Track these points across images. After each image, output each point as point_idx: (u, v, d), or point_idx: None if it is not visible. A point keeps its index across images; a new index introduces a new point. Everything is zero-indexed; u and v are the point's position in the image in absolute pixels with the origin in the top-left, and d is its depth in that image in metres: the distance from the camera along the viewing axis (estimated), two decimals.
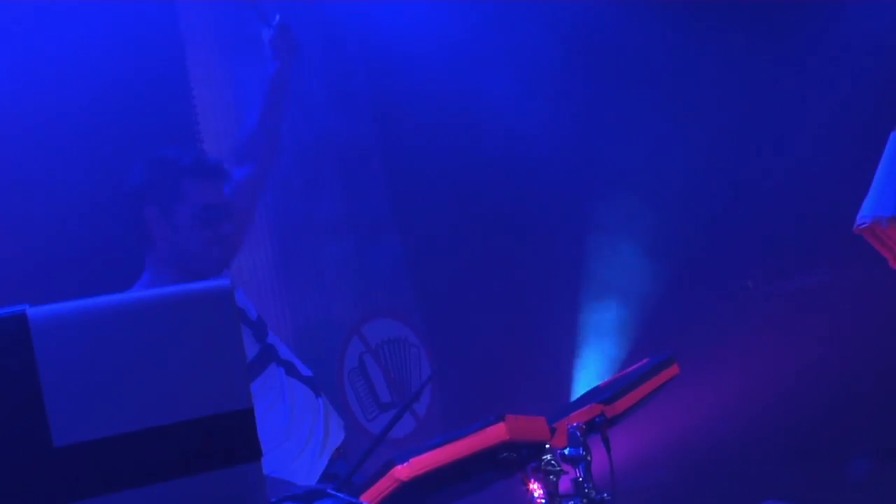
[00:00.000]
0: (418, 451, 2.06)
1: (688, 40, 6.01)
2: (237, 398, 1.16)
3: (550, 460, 2.34)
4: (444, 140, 5.83)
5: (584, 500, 2.38)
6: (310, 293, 5.21)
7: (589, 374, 5.78)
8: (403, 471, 2.03)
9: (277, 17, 3.62)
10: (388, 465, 2.06)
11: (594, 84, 6.22)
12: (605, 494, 2.44)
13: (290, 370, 3.32)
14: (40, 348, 1.08)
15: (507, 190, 6.02)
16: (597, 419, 2.50)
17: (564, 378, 5.69)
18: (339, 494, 1.64)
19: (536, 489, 2.34)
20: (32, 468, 1.08)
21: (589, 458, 2.47)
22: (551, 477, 2.34)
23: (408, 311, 5.69)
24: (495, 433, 2.07)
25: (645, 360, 2.81)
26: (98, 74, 4.33)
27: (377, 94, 5.81)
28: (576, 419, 2.48)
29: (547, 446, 2.32)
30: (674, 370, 2.65)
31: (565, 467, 2.41)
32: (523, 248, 6.06)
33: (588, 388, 2.88)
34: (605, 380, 2.75)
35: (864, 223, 4.00)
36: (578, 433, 2.44)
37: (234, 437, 1.17)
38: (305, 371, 3.42)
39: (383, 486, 2.05)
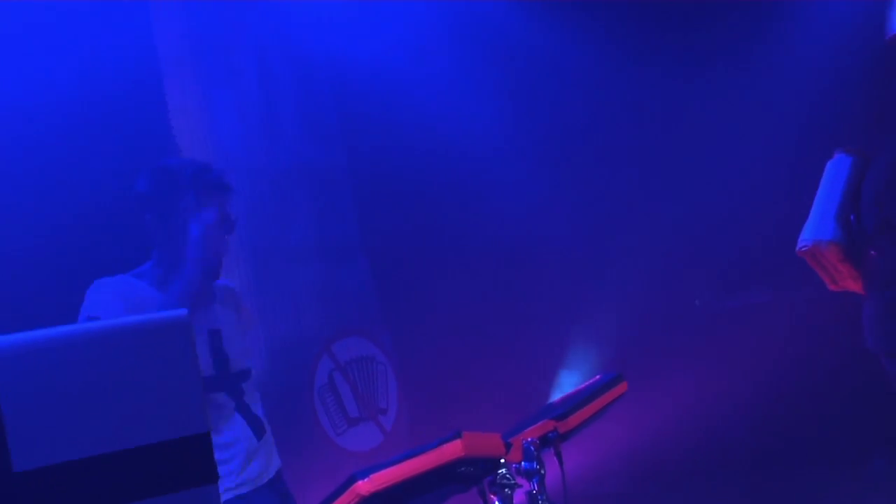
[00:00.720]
0: (379, 467, 2.04)
1: (633, 70, 6.04)
2: (194, 423, 1.14)
3: (506, 474, 2.33)
4: (410, 167, 5.83)
5: None
6: (282, 314, 5.17)
7: (548, 388, 5.79)
8: (364, 486, 2.00)
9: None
10: (350, 481, 2.03)
11: (555, 111, 6.25)
12: None
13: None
14: (0, 377, 1.05)
15: (470, 215, 6.02)
16: (550, 434, 2.48)
17: (526, 392, 5.68)
18: None
19: (495, 502, 2.33)
20: None
21: (543, 471, 2.45)
22: (507, 490, 2.33)
23: (375, 330, 5.66)
24: (452, 449, 2.05)
25: (596, 377, 2.80)
26: (76, 100, 4.28)
27: (346, 125, 5.81)
28: (530, 434, 2.47)
29: (502, 461, 2.31)
30: (622, 388, 2.65)
31: (520, 480, 2.40)
32: (485, 270, 6.06)
33: (542, 404, 2.87)
34: (558, 397, 2.72)
35: (805, 246, 4.03)
36: (532, 448, 2.43)
37: (191, 461, 1.14)
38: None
39: (345, 500, 2.03)
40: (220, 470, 3.05)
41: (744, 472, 5.90)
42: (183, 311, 1.19)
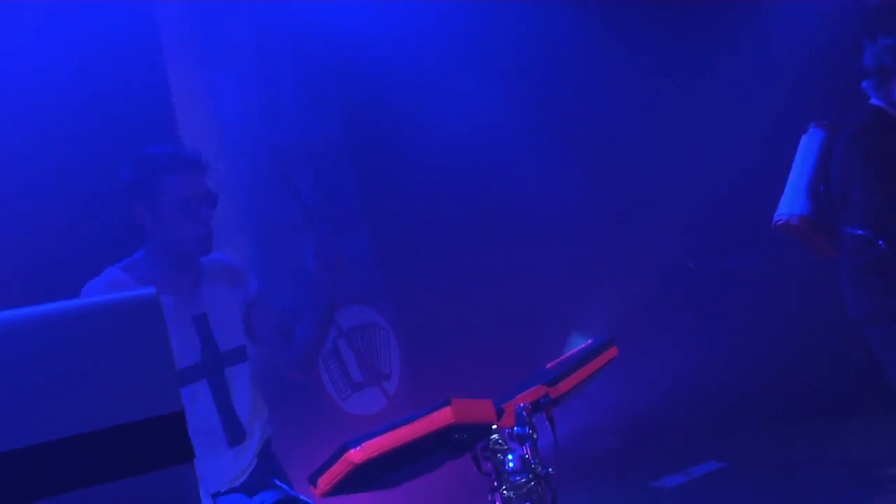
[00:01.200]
0: (370, 436, 1.98)
1: (634, 52, 6.02)
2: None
3: (498, 440, 2.28)
4: (408, 137, 5.77)
5: (531, 476, 2.31)
6: (285, 284, 5.12)
7: (549, 354, 5.75)
8: (356, 454, 1.95)
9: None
10: (343, 449, 1.98)
11: (553, 85, 6.19)
12: (550, 469, 2.38)
13: None
14: None
15: (469, 182, 5.98)
16: (542, 400, 2.43)
17: (526, 358, 5.65)
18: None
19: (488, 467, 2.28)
20: None
21: (535, 436, 2.40)
22: (499, 455, 2.27)
23: (378, 298, 5.62)
24: (442, 417, 2.00)
25: (588, 342, 2.74)
26: (81, 85, 4.22)
27: (345, 99, 5.73)
28: (522, 400, 2.41)
29: (495, 426, 2.26)
30: (613, 352, 2.59)
31: (513, 445, 2.35)
32: (484, 236, 6.03)
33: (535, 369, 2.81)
34: (552, 361, 2.66)
35: (779, 220, 4.07)
36: (525, 413, 2.37)
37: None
38: None
39: (338, 469, 1.98)
40: None
41: (735, 428, 5.89)
42: (151, 289, 1.13)
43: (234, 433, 3.03)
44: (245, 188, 5.03)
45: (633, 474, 5.60)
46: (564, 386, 2.46)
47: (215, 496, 1.55)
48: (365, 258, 5.63)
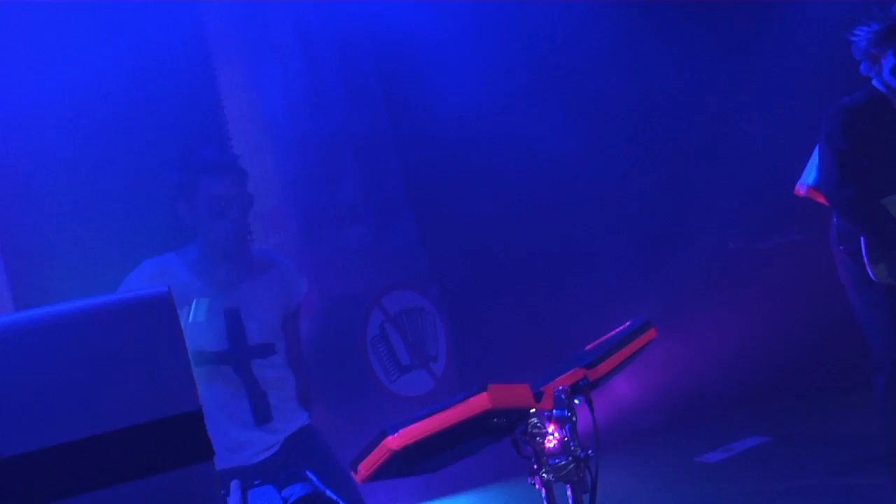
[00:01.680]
0: (408, 422, 1.92)
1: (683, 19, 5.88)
2: (185, 401, 1.03)
3: (537, 423, 2.20)
4: (451, 125, 5.69)
5: (571, 458, 2.23)
6: (334, 271, 5.09)
7: (589, 334, 5.65)
8: (394, 441, 1.89)
9: None
10: (381, 436, 1.92)
11: (594, 63, 6.08)
12: (590, 451, 2.30)
13: None
14: None
15: (511, 166, 5.89)
16: (580, 382, 2.34)
17: (570, 339, 5.57)
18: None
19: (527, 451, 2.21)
20: None
21: (574, 418, 2.32)
22: (538, 439, 2.20)
23: (424, 282, 5.56)
24: (478, 403, 1.92)
25: (627, 323, 2.65)
26: (135, 86, 4.21)
27: (387, 89, 5.66)
28: (561, 383, 2.33)
29: (533, 410, 2.18)
30: (651, 334, 2.49)
31: (552, 428, 2.27)
32: (527, 220, 5.94)
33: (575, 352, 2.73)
34: (591, 343, 2.58)
35: (799, 189, 4.22)
36: (563, 396, 2.30)
37: (184, 439, 1.03)
38: None
39: (377, 455, 1.92)
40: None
41: (776, 404, 5.76)
42: (164, 288, 1.08)
43: (261, 414, 3.14)
44: (293, 179, 4.99)
45: (677, 450, 5.49)
46: (603, 368, 2.37)
47: (246, 487, 1.51)
48: (411, 244, 5.58)
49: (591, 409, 2.38)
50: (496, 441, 2.16)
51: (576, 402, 2.40)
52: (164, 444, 1.02)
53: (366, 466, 1.96)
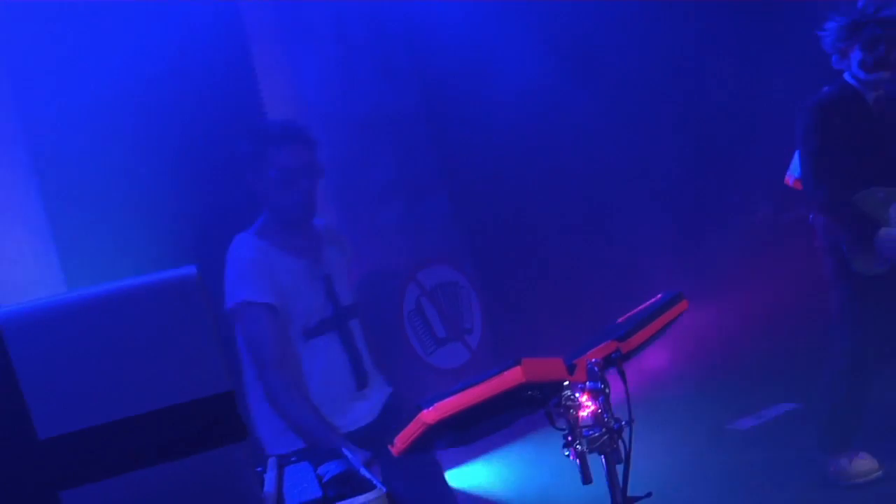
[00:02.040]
0: (442, 396, 1.89)
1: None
2: (216, 382, 1.00)
3: (570, 395, 2.16)
4: (482, 103, 5.62)
5: (604, 430, 2.19)
6: (371, 247, 5.06)
7: (621, 306, 5.59)
8: (429, 415, 1.86)
9: None
10: (416, 410, 1.89)
11: (618, 51, 5.98)
12: (623, 422, 2.25)
13: None
14: (14, 347, 0.93)
15: (543, 142, 5.82)
16: (613, 355, 2.30)
17: (599, 311, 5.52)
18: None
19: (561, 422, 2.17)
20: (20, 462, 0.93)
21: (607, 390, 2.27)
22: (571, 411, 2.16)
23: (458, 257, 5.52)
24: (512, 376, 1.88)
25: (659, 296, 2.59)
26: (172, 73, 4.19)
27: (420, 67, 5.60)
28: (593, 356, 2.29)
29: (566, 383, 2.14)
30: (683, 305, 2.44)
31: (585, 400, 2.22)
32: (557, 196, 5.88)
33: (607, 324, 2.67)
34: (623, 315, 2.52)
35: (787, 179, 4.30)
36: (596, 368, 2.25)
37: (216, 420, 1.00)
38: None
39: (413, 429, 1.89)
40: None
41: (806, 370, 5.66)
42: (192, 269, 1.04)
43: (360, 378, 3.16)
44: (328, 159, 4.95)
45: (708, 418, 5.42)
46: (635, 341, 2.33)
47: (283, 464, 1.49)
48: (445, 220, 5.55)
49: (624, 381, 2.34)
50: (530, 413, 2.13)
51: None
52: (197, 425, 0.99)
53: (402, 439, 1.93)
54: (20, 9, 3.94)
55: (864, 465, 4.00)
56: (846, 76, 3.92)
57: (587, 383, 2.26)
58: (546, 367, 1.98)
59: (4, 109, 3.94)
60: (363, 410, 3.19)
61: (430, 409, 1.85)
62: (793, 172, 4.20)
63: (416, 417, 1.87)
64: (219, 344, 1.03)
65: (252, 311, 3.01)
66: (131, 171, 4.02)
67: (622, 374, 2.33)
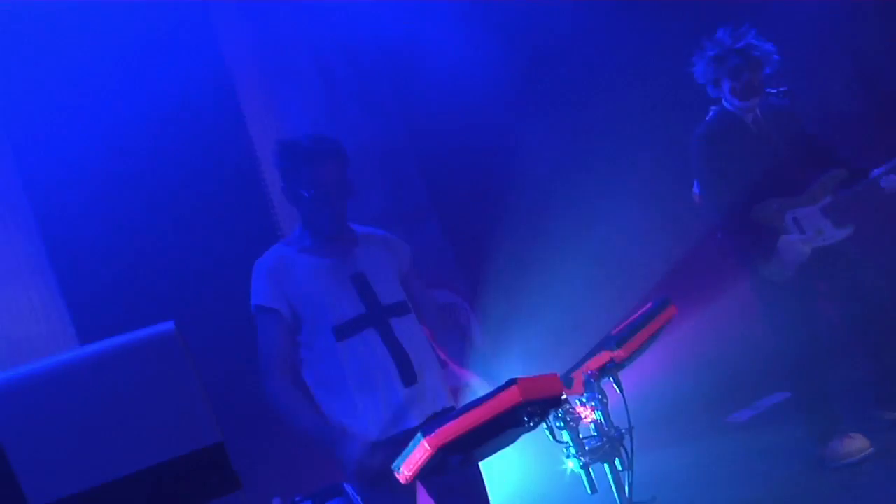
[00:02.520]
0: (443, 422, 1.84)
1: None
2: (205, 434, 0.95)
3: (570, 408, 2.12)
4: (465, 132, 5.60)
5: (605, 439, 2.15)
6: None
7: (613, 319, 5.52)
8: (431, 441, 1.81)
9: None
10: (418, 438, 1.84)
11: (591, 74, 5.94)
12: (623, 430, 2.21)
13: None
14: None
15: (525, 168, 5.79)
16: (607, 365, 2.26)
17: (594, 323, 5.47)
18: (350, 490, 1.43)
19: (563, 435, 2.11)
20: None
21: (605, 400, 2.23)
22: (572, 423, 2.11)
23: (455, 280, 5.47)
24: (510, 397, 1.84)
25: (648, 304, 2.55)
26: (170, 114, 4.18)
27: (403, 100, 5.58)
28: (589, 367, 2.24)
29: (564, 396, 2.09)
30: (671, 311, 2.40)
31: (584, 412, 2.18)
32: (544, 215, 5.84)
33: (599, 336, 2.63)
34: (616, 326, 2.48)
35: (695, 196, 4.28)
36: (592, 380, 2.21)
37: (208, 473, 0.95)
38: None
39: (417, 456, 1.84)
40: (364, 416, 2.88)
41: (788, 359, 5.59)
42: (170, 324, 1.00)
43: (407, 373, 2.96)
44: None
45: (707, 413, 5.35)
46: (627, 349, 2.29)
47: None
48: (438, 246, 5.50)
49: (621, 390, 2.29)
50: (532, 430, 2.08)
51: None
52: (189, 479, 0.94)
53: (408, 467, 1.88)
54: (24, 78, 3.93)
55: (856, 443, 4.01)
56: (724, 103, 4.08)
57: (585, 395, 2.22)
58: (542, 384, 1.93)
59: (8, 177, 3.92)
60: (412, 409, 2.96)
61: (432, 435, 1.81)
62: (696, 190, 4.27)
63: (418, 445, 1.82)
64: (205, 396, 0.98)
65: (261, 316, 2.97)
66: (132, 223, 3.99)
67: (618, 383, 2.29)
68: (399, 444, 2.51)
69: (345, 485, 1.51)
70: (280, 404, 2.89)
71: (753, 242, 3.96)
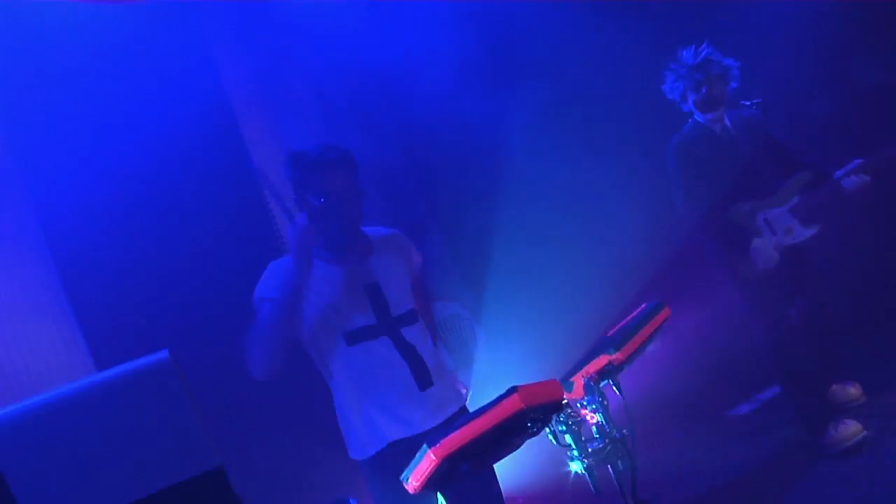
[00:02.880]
0: (447, 432, 1.81)
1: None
2: (203, 460, 0.93)
3: (571, 412, 2.09)
4: (463, 146, 5.58)
5: (607, 440, 2.12)
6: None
7: (611, 322, 5.50)
8: (437, 451, 1.78)
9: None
10: (424, 449, 1.82)
11: (586, 84, 5.92)
12: (625, 430, 2.18)
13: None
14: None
15: (524, 179, 5.76)
16: (606, 367, 2.23)
17: (592, 328, 5.44)
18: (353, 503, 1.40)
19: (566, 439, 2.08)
20: None
21: (606, 402, 2.21)
22: (574, 426, 2.08)
23: (458, 292, 5.44)
24: (511, 404, 1.82)
25: (643, 306, 2.52)
26: (174, 143, 4.15)
27: (400, 119, 5.56)
28: (588, 371, 2.22)
29: (565, 401, 2.07)
30: (666, 313, 2.38)
31: (585, 415, 2.15)
32: (542, 227, 5.81)
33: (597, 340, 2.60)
34: (612, 328, 2.45)
35: None
36: (592, 383, 2.18)
37: (210, 497, 0.93)
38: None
39: (424, 466, 1.81)
40: (378, 421, 2.79)
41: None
42: (164, 353, 0.98)
43: (422, 377, 2.87)
44: None
45: (708, 408, 5.31)
46: (625, 352, 2.26)
47: None
48: (440, 259, 5.48)
49: (620, 391, 2.27)
50: (535, 434, 2.05)
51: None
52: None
53: (416, 477, 1.85)
54: (30, 110, 3.92)
55: (850, 428, 4.04)
56: (695, 115, 4.29)
57: (585, 398, 2.20)
58: (543, 390, 1.91)
59: (23, 212, 3.90)
60: (428, 411, 2.86)
61: (437, 445, 1.78)
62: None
63: (425, 456, 1.79)
64: (202, 422, 0.96)
65: (258, 305, 2.86)
66: (142, 250, 3.97)
67: (617, 385, 2.26)
68: (414, 447, 2.44)
69: (350, 500, 1.49)
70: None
71: (729, 243, 4.11)
